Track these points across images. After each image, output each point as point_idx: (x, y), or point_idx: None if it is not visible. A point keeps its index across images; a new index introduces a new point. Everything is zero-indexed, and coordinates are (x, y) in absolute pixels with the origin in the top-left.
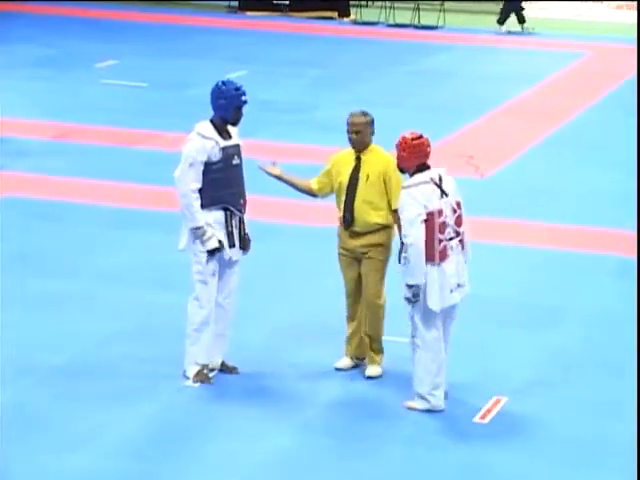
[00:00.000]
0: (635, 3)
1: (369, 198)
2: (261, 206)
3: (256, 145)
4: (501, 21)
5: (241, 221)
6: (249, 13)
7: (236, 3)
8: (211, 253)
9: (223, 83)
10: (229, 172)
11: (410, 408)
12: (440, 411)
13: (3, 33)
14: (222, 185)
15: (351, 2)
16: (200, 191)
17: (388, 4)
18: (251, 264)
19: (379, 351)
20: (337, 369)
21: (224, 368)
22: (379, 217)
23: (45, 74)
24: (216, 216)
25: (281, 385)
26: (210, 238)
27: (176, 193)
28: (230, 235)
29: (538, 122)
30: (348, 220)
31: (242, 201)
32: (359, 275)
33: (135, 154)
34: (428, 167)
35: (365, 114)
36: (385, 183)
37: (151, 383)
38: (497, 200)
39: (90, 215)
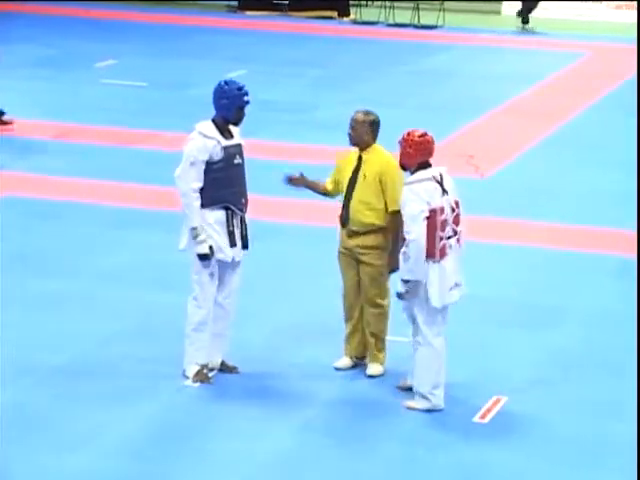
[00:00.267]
0: (635, 3)
1: (365, 198)
2: (262, 206)
3: (256, 145)
4: (526, 20)
5: (242, 220)
6: (249, 13)
7: (236, 3)
8: (201, 258)
9: (226, 83)
10: (230, 171)
11: (410, 408)
12: (440, 410)
13: (3, 33)
14: (223, 184)
15: (351, 2)
16: (201, 190)
17: (388, 4)
18: (252, 264)
19: (382, 349)
20: (337, 369)
21: (224, 368)
22: (374, 218)
23: (45, 74)
24: (217, 215)
25: (281, 385)
26: (202, 242)
27: (176, 192)
28: (231, 234)
29: (538, 122)
30: (344, 219)
31: (243, 200)
32: (358, 276)
33: (135, 154)
34: (429, 165)
35: (367, 114)
36: (381, 184)
37: (151, 383)
38: (497, 200)
39: (90, 215)
